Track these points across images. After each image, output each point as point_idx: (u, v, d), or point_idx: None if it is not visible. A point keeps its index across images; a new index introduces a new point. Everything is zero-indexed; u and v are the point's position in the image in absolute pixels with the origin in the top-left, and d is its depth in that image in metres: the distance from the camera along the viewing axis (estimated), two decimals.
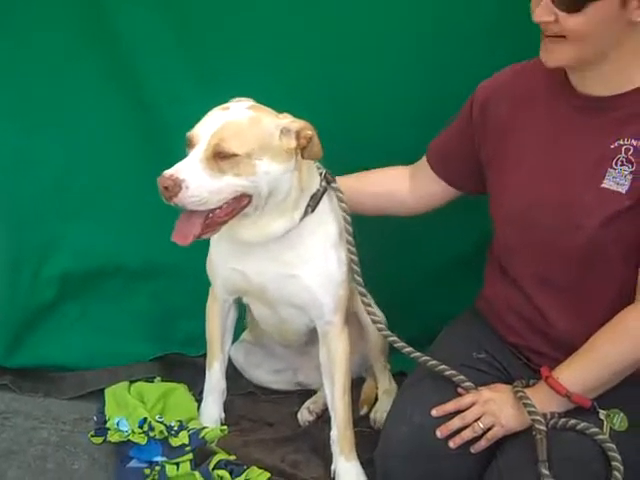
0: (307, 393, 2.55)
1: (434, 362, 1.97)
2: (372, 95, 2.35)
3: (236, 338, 2.48)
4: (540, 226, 1.88)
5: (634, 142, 1.76)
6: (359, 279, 2.10)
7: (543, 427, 1.78)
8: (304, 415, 2.47)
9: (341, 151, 2.20)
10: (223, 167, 1.82)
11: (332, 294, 2.10)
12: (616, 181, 1.77)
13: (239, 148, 1.82)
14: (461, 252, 2.54)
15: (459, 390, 1.94)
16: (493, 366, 2.06)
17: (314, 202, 2.04)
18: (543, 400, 1.83)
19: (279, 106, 1.97)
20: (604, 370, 1.82)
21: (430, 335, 2.24)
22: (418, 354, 2.02)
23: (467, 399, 1.89)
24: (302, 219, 2.02)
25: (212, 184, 1.81)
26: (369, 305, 2.13)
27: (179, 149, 2.31)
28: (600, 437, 1.77)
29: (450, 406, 1.89)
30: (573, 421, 1.80)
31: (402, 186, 2.25)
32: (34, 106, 2.41)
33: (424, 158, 2.21)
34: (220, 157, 1.81)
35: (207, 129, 1.84)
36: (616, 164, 1.77)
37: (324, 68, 2.33)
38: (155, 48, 2.34)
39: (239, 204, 1.89)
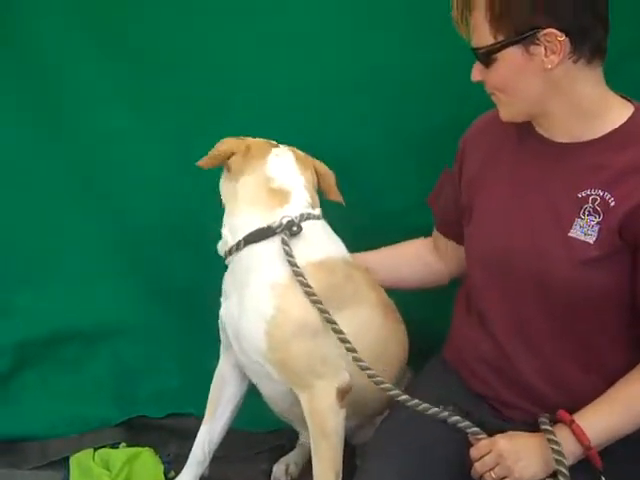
0: (279, 452, 2.49)
1: (436, 409, 1.88)
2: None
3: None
4: (510, 274, 1.84)
5: (600, 192, 1.72)
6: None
7: None
8: (277, 473, 2.40)
9: None
10: None
11: (266, 357, 1.95)
12: (584, 231, 1.73)
13: None
14: None
15: (469, 437, 1.86)
16: (463, 417, 1.97)
17: (247, 241, 1.99)
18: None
19: None
20: (628, 422, 1.75)
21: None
22: (416, 401, 1.87)
23: (484, 448, 1.81)
24: (235, 252, 2.00)
25: None
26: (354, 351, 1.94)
27: (121, 202, 2.39)
28: None
29: (474, 456, 1.81)
30: None
31: (430, 257, 2.23)
32: None
33: (435, 229, 2.20)
34: None
35: None
36: (583, 214, 1.73)
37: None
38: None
39: None
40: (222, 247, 2.06)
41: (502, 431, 1.86)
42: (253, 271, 1.97)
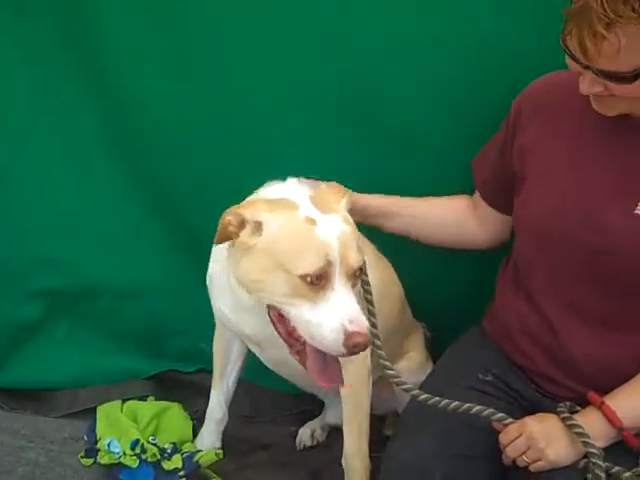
0: (306, 415, 2.49)
1: (456, 403, 1.83)
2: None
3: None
4: (565, 248, 1.80)
5: None
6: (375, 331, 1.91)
7: (600, 462, 1.67)
8: (304, 437, 2.41)
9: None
10: (355, 284, 1.68)
11: None
12: None
13: (363, 258, 1.69)
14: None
15: (494, 424, 1.83)
16: (500, 389, 1.97)
17: None
18: (590, 429, 1.72)
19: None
20: None
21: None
22: (437, 399, 1.85)
23: (513, 433, 1.78)
24: None
25: None
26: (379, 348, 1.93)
27: (158, 165, 2.35)
28: None
29: (503, 442, 1.79)
30: (628, 474, 1.69)
31: (469, 220, 2.14)
32: (22, 121, 2.35)
33: (477, 194, 2.11)
34: (356, 276, 1.67)
35: (333, 253, 1.61)
36: None
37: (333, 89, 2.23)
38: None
39: None
40: None
41: (538, 409, 1.86)
42: None
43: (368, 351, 1.94)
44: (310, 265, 1.59)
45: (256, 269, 1.65)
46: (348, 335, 1.58)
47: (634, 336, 1.78)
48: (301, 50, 2.17)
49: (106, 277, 2.49)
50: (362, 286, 1.89)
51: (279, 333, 1.71)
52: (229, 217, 1.66)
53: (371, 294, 1.90)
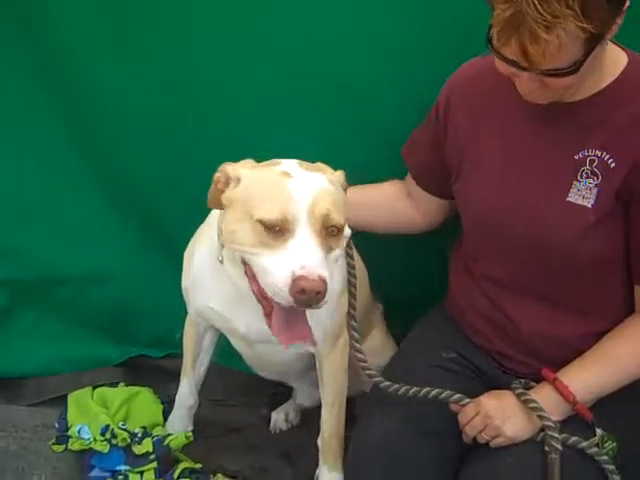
0: (278, 398, 2.50)
1: (415, 389, 1.86)
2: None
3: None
4: (505, 235, 1.82)
5: (598, 152, 1.68)
6: (354, 324, 1.97)
7: (556, 434, 1.71)
8: (278, 422, 2.42)
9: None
10: (331, 245, 1.60)
11: (322, 338, 1.93)
12: (582, 194, 1.70)
13: (341, 219, 1.61)
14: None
15: (451, 406, 1.86)
16: (464, 366, 2.00)
17: None
18: (545, 405, 1.75)
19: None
20: (613, 375, 1.76)
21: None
22: (396, 387, 1.89)
23: (470, 412, 1.82)
24: None
25: (328, 269, 1.56)
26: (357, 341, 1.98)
27: (120, 152, 2.34)
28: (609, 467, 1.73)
29: (462, 421, 1.83)
30: (585, 443, 1.74)
31: (402, 203, 2.15)
32: None
33: (410, 177, 2.11)
34: (329, 233, 1.60)
35: (299, 203, 1.57)
36: (581, 176, 1.70)
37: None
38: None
39: None
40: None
41: (500, 385, 1.89)
42: None
43: (346, 337, 1.99)
44: (269, 211, 1.56)
45: (232, 220, 1.65)
46: (295, 279, 1.50)
47: (578, 312, 1.82)
48: (269, 40, 2.16)
49: (70, 265, 2.47)
50: (348, 270, 1.92)
51: (254, 293, 1.67)
52: (218, 174, 1.70)
53: (356, 277, 1.93)
